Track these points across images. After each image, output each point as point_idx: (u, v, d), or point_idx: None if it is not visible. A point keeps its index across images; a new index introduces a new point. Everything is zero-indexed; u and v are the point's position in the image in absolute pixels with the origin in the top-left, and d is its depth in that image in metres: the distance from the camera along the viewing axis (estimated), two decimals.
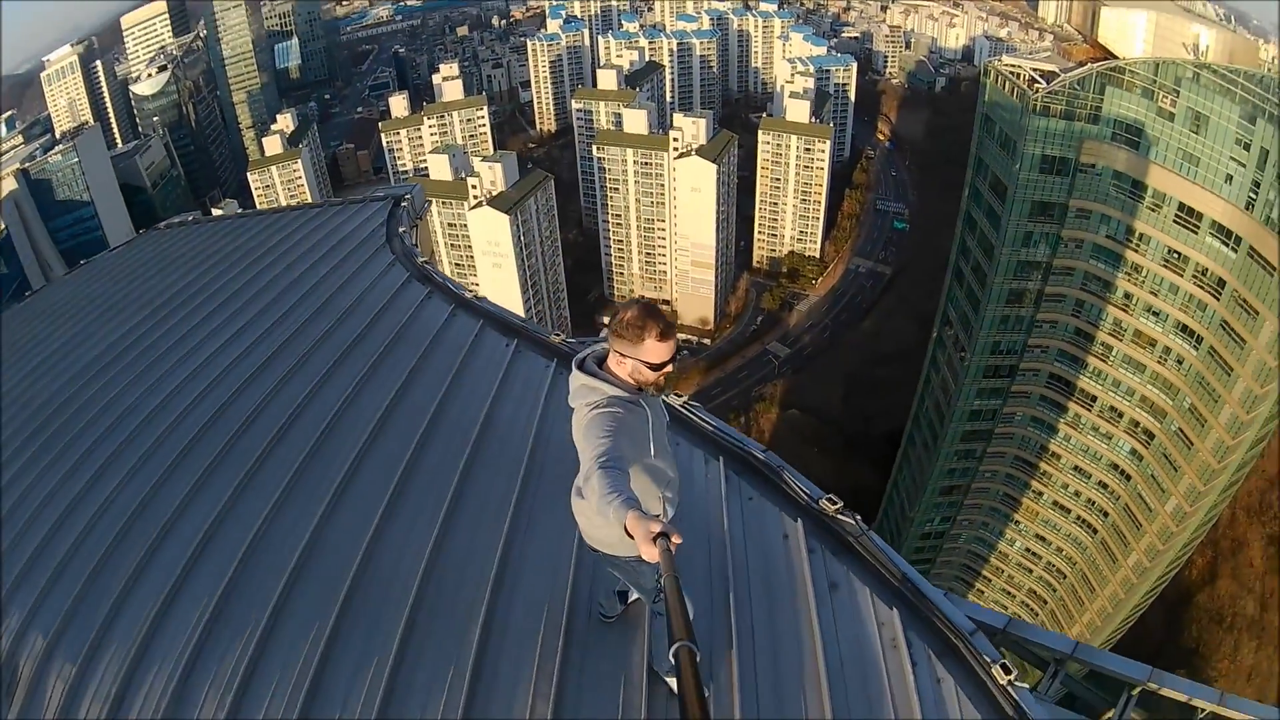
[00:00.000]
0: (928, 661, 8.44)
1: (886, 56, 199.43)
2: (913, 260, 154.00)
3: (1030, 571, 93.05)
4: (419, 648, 7.87)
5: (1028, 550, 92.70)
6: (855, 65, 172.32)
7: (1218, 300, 69.79)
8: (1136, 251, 73.49)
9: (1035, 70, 71.93)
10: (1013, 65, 73.79)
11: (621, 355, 5.99)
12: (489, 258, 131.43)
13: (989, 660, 8.49)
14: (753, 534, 9.42)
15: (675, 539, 4.76)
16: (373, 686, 7.52)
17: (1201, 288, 70.83)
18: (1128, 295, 75.48)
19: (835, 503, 9.77)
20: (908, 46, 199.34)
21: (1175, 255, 71.67)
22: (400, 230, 19.70)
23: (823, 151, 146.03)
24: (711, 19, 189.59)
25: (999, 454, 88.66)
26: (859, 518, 9.71)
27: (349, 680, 7.65)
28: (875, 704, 7.84)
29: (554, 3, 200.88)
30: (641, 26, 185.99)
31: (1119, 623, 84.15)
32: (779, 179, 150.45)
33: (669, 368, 6.09)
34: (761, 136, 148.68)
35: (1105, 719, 10.44)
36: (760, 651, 8.03)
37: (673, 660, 3.75)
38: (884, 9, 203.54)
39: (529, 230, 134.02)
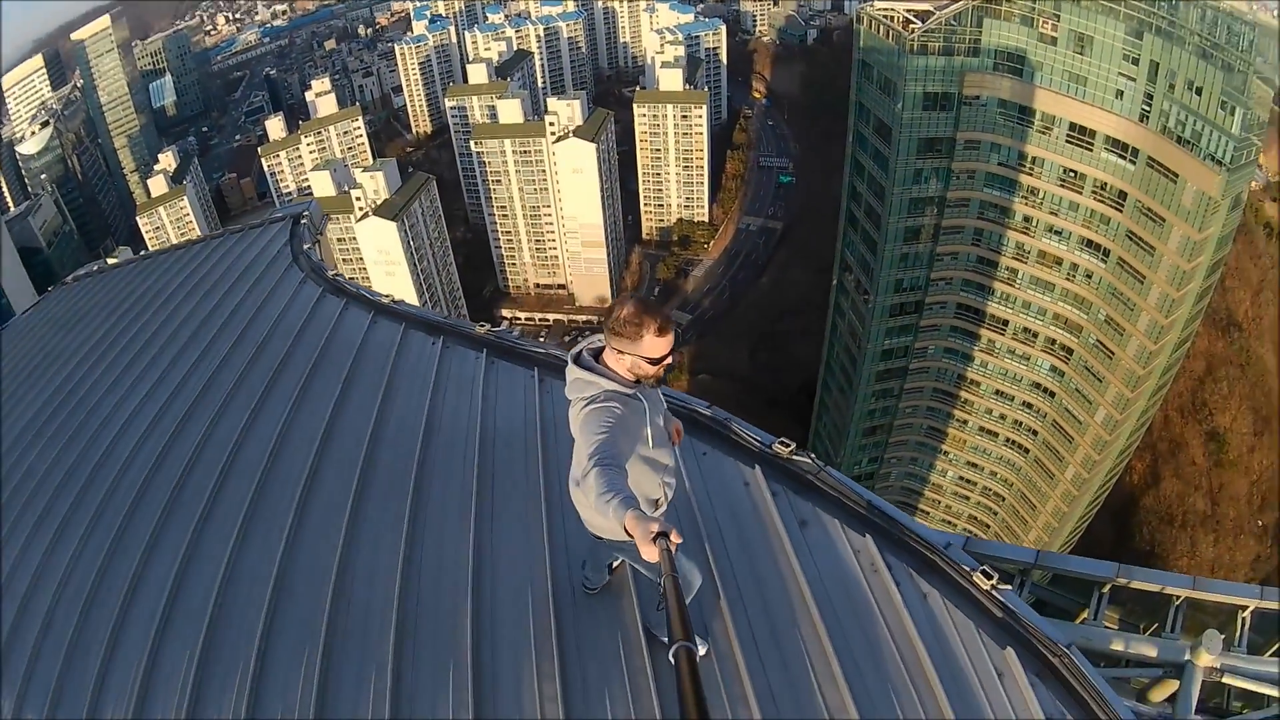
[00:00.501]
0: (910, 579, 8.76)
1: (755, 15, 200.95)
2: (803, 212, 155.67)
3: (967, 499, 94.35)
4: (415, 657, 7.88)
5: (961, 479, 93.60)
6: (724, 28, 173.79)
7: (1121, 213, 70.74)
8: (1031, 175, 73.81)
9: (910, 11, 70.94)
10: (886, 9, 72.51)
11: (620, 351, 5.94)
12: (381, 267, 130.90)
13: (968, 569, 8.87)
14: (715, 487, 9.56)
15: (675, 538, 4.78)
16: (378, 701, 7.52)
17: (1103, 202, 71.60)
18: (1027, 219, 76.05)
19: (788, 445, 10.01)
20: (776, 3, 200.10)
21: (1072, 174, 72.19)
22: (305, 247, 19.62)
23: (700, 117, 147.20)
24: (576, 0, 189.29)
25: (917, 389, 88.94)
26: (813, 456, 9.94)
27: (353, 700, 7.64)
28: (868, 626, 8.12)
29: (418, 4, 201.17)
30: (507, 17, 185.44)
31: (1066, 536, 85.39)
32: (659, 149, 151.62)
33: (669, 360, 6.06)
34: (637, 110, 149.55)
35: (1080, 620, 10.74)
36: (748, 595, 8.24)
37: (672, 660, 3.75)
38: None
39: (417, 234, 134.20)
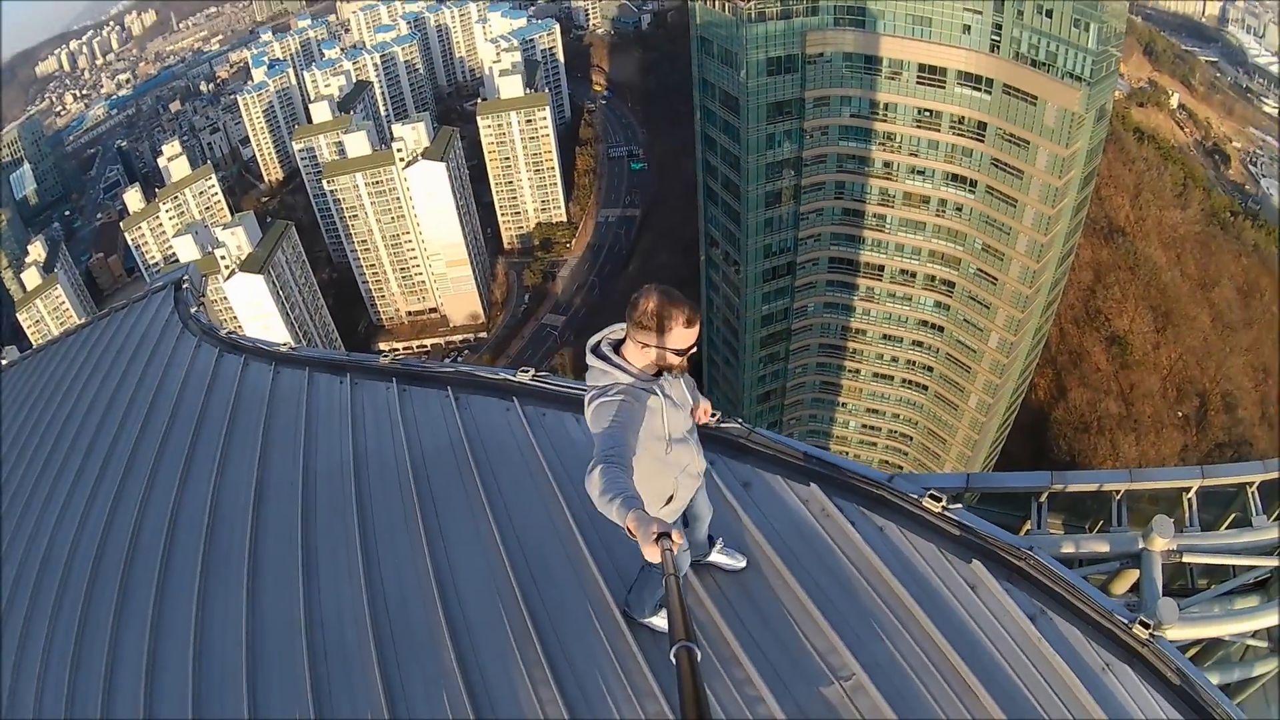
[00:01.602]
0: (863, 517, 8.96)
1: (587, 10, 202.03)
2: (658, 195, 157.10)
3: (874, 444, 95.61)
4: (404, 681, 7.81)
5: (865, 426, 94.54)
6: (558, 26, 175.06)
7: (983, 143, 71.87)
8: (886, 121, 74.59)
9: None
10: None
11: (645, 344, 5.83)
12: (255, 321, 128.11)
13: (916, 496, 9.13)
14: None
15: (677, 538, 4.71)
16: None
17: (963, 136, 72.68)
18: (888, 164, 76.72)
19: (714, 414, 9.73)
20: None
21: (928, 114, 73.07)
22: (192, 310, 19.34)
23: (544, 119, 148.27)
24: (409, 22, 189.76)
25: (803, 348, 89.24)
26: (741, 420, 10.04)
27: None
28: (835, 568, 8.33)
29: (255, 52, 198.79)
30: (343, 50, 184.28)
31: (982, 461, 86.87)
32: (508, 157, 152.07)
33: (694, 349, 5.94)
34: (481, 122, 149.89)
35: (1025, 533, 10.91)
36: (711, 565, 8.26)
37: (673, 660, 3.71)
38: None
39: (285, 283, 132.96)
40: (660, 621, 7.64)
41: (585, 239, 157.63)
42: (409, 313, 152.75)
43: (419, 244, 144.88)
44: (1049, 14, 64.88)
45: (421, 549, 8.93)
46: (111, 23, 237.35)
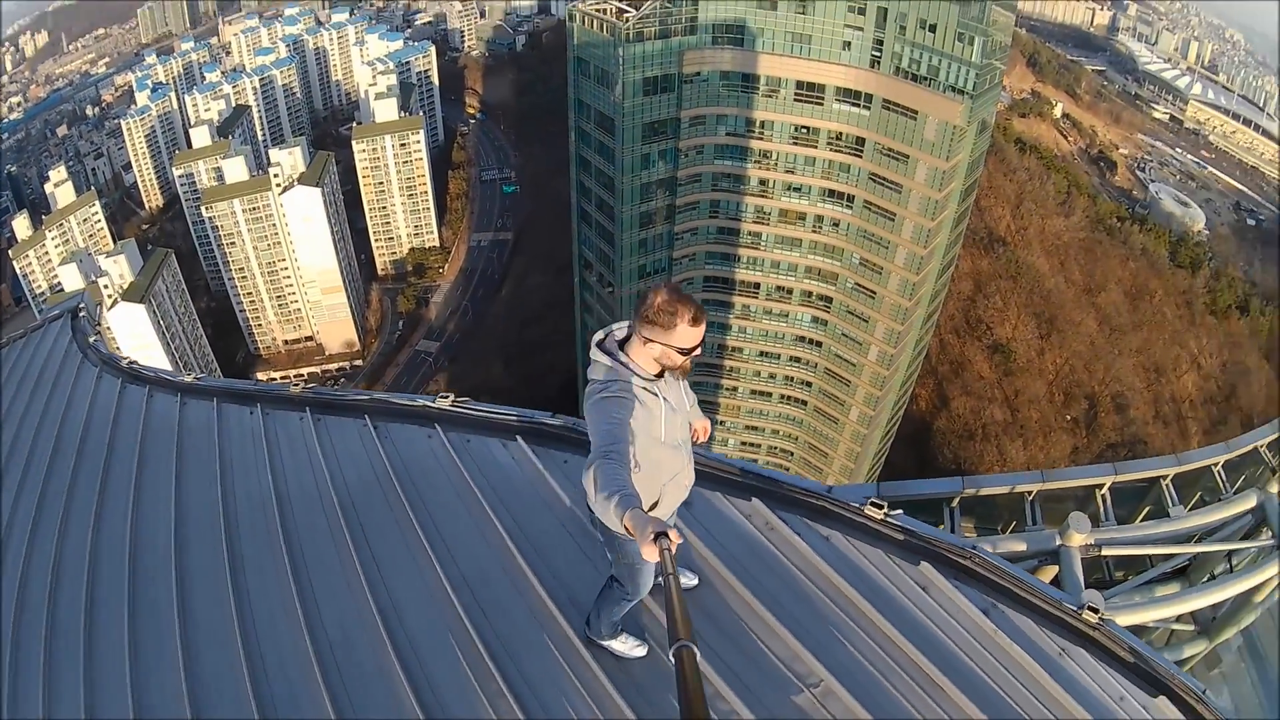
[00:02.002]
0: (808, 528, 9.00)
1: (463, 31, 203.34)
2: (531, 218, 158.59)
3: (755, 461, 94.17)
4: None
5: (744, 444, 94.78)
6: (433, 48, 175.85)
7: (861, 158, 72.58)
8: (763, 139, 74.96)
9: (622, 2, 71.30)
10: (598, 3, 72.89)
11: (650, 340, 5.78)
12: (138, 351, 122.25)
13: (858, 505, 9.22)
14: (583, 489, 7.97)
15: (675, 538, 4.68)
16: None
17: (840, 152, 73.25)
18: (764, 182, 77.06)
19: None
20: (483, 16, 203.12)
21: (804, 131, 73.48)
22: (91, 340, 18.63)
23: (418, 143, 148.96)
24: (288, 45, 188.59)
25: None
26: None
27: None
28: (787, 579, 8.37)
29: (139, 75, 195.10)
30: (224, 73, 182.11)
31: (865, 473, 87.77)
32: (382, 182, 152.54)
33: (698, 351, 5.87)
34: (356, 146, 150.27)
35: None
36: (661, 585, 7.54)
37: (672, 660, 3.83)
38: None
39: (166, 313, 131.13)
40: (619, 645, 7.51)
41: (458, 264, 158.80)
42: (285, 341, 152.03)
43: (295, 271, 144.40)
44: (932, 29, 65.60)
45: (359, 583, 8.65)
46: (6, 44, 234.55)
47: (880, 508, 9.16)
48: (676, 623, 4.02)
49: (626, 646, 7.49)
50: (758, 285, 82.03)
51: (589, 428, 5.72)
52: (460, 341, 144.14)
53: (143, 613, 9.33)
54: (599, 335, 6.08)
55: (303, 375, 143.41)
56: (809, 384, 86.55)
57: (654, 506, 6.24)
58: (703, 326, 5.74)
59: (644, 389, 5.84)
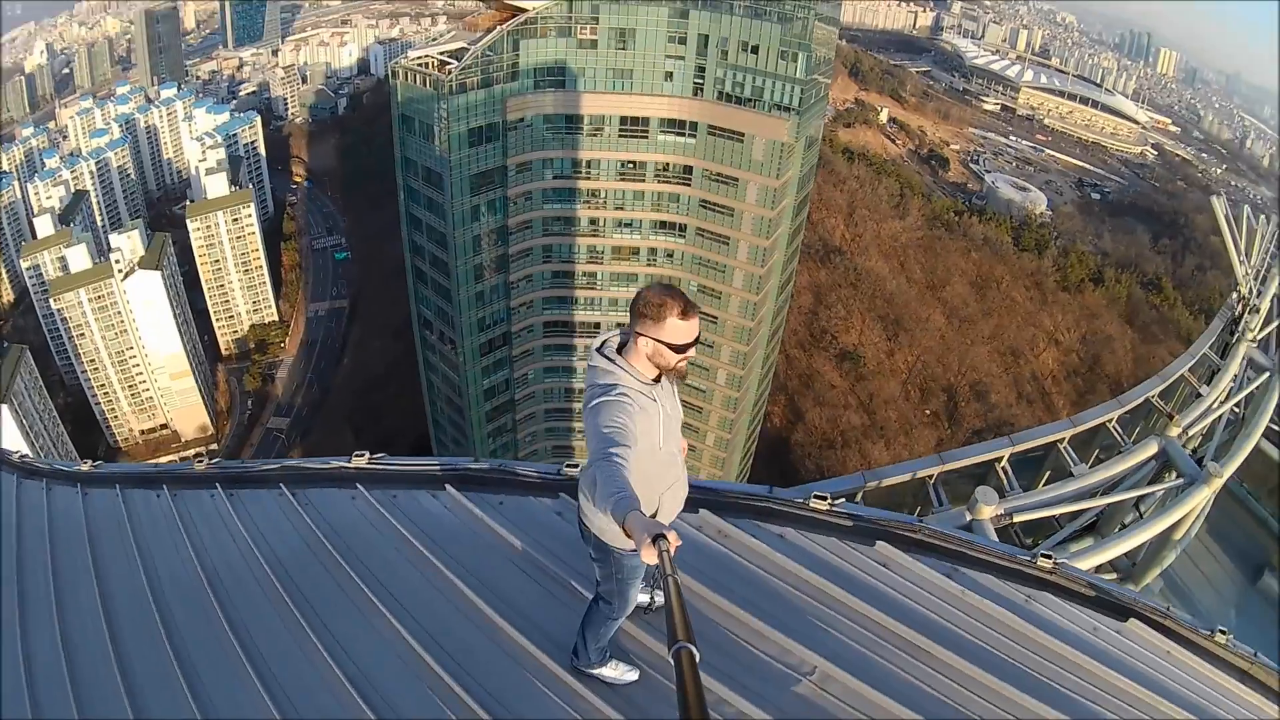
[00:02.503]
0: (759, 529, 9.28)
1: (286, 99, 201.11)
2: (364, 283, 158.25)
3: None
4: None
5: None
6: (259, 118, 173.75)
7: (689, 186, 73.77)
8: (590, 179, 75.75)
9: (443, 54, 71.52)
10: (419, 57, 73.09)
11: (643, 335, 5.82)
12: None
13: (802, 500, 9.63)
14: (528, 527, 9.42)
15: (674, 541, 4.68)
16: None
17: (668, 182, 74.46)
18: (594, 221, 77.94)
19: (575, 465, 9.94)
20: (305, 81, 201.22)
21: (631, 165, 74.53)
22: None
23: (249, 216, 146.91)
24: (120, 125, 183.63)
25: (529, 416, 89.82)
26: None
27: None
28: (752, 580, 8.56)
29: None
30: (62, 158, 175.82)
31: None
32: (218, 260, 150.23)
33: (691, 352, 5.91)
34: (191, 225, 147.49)
35: None
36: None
37: (672, 661, 3.73)
38: (274, 53, 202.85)
39: (27, 412, 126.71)
40: (610, 671, 7.47)
41: (298, 336, 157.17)
42: (142, 431, 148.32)
43: (143, 358, 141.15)
44: (755, 50, 66.80)
45: (319, 655, 8.18)
46: None
47: (824, 499, 9.60)
48: (676, 624, 4.02)
49: (618, 672, 7.51)
50: (598, 325, 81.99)
51: (587, 431, 5.78)
52: (310, 415, 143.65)
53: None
54: (597, 342, 6.16)
55: (161, 464, 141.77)
56: None
57: (653, 515, 6.18)
58: (695, 321, 5.79)
59: (642, 394, 5.88)
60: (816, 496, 9.61)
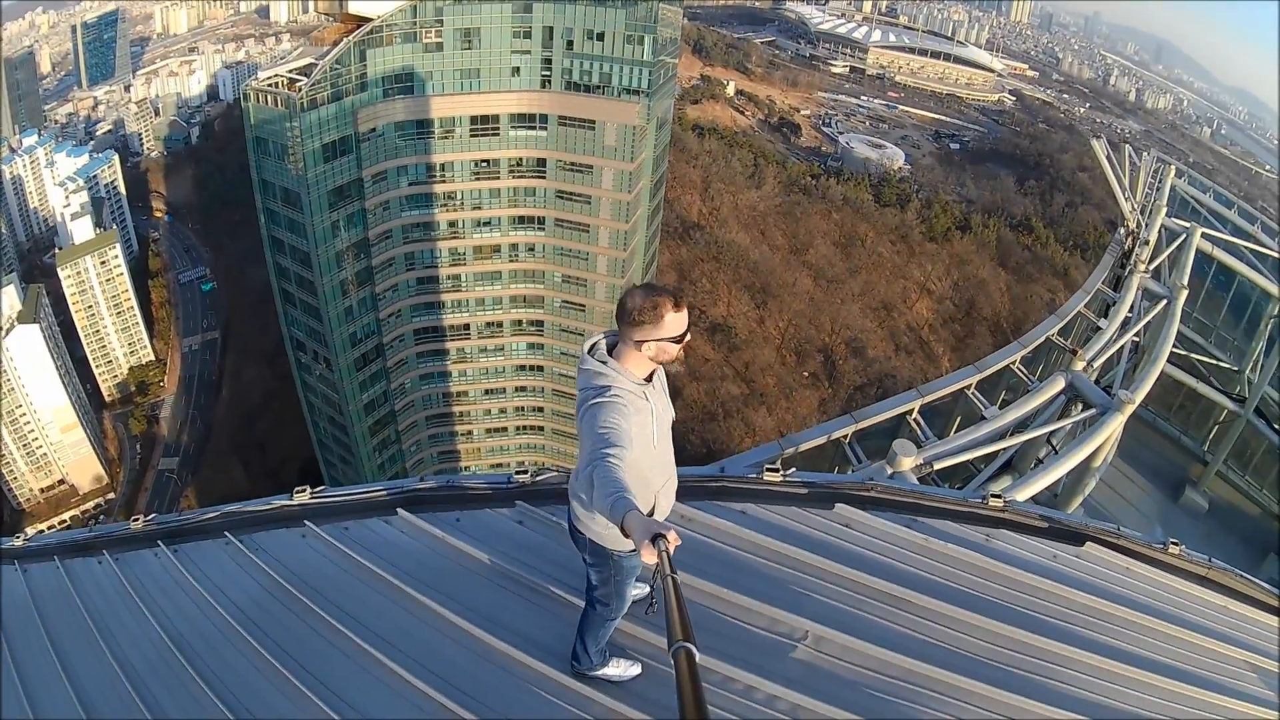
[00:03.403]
0: (720, 508, 9.40)
1: (140, 134, 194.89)
2: (233, 312, 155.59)
3: None
4: None
5: None
6: (116, 156, 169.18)
7: (545, 179, 74.55)
8: (445, 181, 75.86)
9: (292, 72, 70.71)
10: (269, 78, 71.91)
11: (643, 340, 5.84)
12: None
13: (755, 475, 9.84)
14: (490, 539, 9.35)
15: (674, 540, 4.75)
16: None
17: (523, 177, 75.11)
18: (453, 223, 78.09)
19: (524, 471, 10.09)
20: (158, 114, 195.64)
21: (485, 164, 74.98)
22: None
23: (116, 258, 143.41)
24: None
25: (411, 425, 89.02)
26: (556, 467, 10.25)
27: None
28: (725, 558, 8.76)
29: None
30: None
31: None
32: (91, 305, 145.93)
33: (688, 336, 5.98)
34: (62, 274, 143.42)
35: None
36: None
37: (672, 660, 3.73)
38: (127, 89, 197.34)
39: None
40: (613, 670, 7.54)
41: (176, 373, 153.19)
42: (42, 490, 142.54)
43: (33, 415, 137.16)
44: (600, 37, 67.75)
45: (311, 703, 7.82)
46: None
47: (777, 471, 9.82)
48: (675, 624, 4.03)
49: (620, 669, 7.57)
50: (467, 326, 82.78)
51: (582, 433, 5.90)
52: (197, 452, 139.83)
53: None
54: (586, 346, 6.17)
55: (65, 521, 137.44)
56: (540, 409, 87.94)
57: (650, 514, 6.05)
58: (685, 308, 5.89)
59: (635, 395, 5.92)
60: (769, 469, 9.84)
